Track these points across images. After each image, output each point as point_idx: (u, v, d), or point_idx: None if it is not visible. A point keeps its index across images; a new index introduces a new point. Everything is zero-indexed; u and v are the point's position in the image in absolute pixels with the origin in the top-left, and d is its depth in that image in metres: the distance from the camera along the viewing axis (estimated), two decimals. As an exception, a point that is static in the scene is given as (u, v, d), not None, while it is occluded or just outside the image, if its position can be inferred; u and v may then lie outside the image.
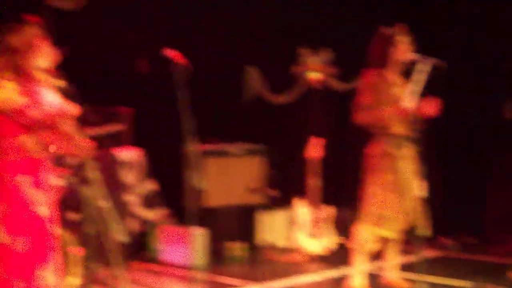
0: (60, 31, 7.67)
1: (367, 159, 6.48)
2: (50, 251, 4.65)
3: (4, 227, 4.08)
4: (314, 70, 9.20)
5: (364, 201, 6.42)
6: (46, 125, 4.65)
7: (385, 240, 6.59)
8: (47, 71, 4.64)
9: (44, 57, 4.64)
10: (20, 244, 4.51)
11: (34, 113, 4.55)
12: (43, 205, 4.61)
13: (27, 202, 4.55)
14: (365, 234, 6.39)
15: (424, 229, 6.25)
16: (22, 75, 4.58)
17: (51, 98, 4.65)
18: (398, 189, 6.33)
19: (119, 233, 4.46)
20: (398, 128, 6.36)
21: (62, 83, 4.64)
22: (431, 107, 6.19)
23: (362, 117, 6.36)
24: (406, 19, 6.53)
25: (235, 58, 9.44)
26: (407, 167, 6.37)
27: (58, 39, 7.42)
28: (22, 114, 4.51)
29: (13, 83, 4.52)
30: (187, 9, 9.00)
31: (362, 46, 6.56)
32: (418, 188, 6.16)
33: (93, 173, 4.66)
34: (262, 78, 9.56)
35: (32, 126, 4.58)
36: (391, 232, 6.38)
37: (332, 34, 9.24)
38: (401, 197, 6.33)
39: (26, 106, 4.51)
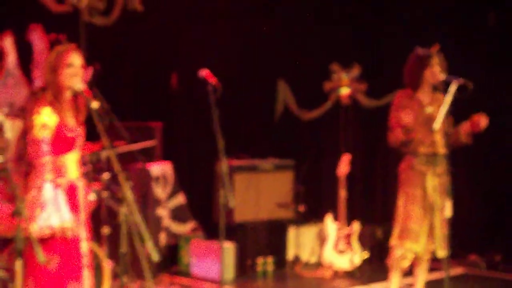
0: (93, 48, 7.86)
1: (398, 174, 6.54)
2: (81, 268, 4.73)
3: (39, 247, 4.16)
4: (345, 86, 9.25)
5: (395, 216, 6.48)
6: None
7: (415, 256, 6.60)
8: (82, 90, 4.66)
9: (77, 75, 4.67)
10: (53, 262, 4.61)
11: (68, 135, 4.65)
12: (75, 223, 4.69)
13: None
14: (400, 250, 6.41)
15: (442, 250, 6.29)
16: (58, 95, 4.65)
17: None
18: (424, 205, 6.38)
19: (151, 249, 4.51)
20: (427, 148, 6.41)
21: (96, 103, 4.64)
22: (481, 122, 6.28)
23: (393, 139, 6.42)
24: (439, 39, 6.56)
25: (265, 75, 9.50)
26: (435, 185, 6.41)
27: (90, 56, 7.59)
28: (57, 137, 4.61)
29: (48, 108, 4.60)
30: (217, 26, 9.09)
31: (391, 62, 6.60)
32: (444, 208, 6.21)
33: (125, 187, 4.70)
34: (292, 93, 9.61)
35: (67, 147, 4.68)
36: (418, 245, 6.39)
37: (362, 50, 9.28)
38: (426, 213, 6.38)
39: (59, 129, 4.61)
